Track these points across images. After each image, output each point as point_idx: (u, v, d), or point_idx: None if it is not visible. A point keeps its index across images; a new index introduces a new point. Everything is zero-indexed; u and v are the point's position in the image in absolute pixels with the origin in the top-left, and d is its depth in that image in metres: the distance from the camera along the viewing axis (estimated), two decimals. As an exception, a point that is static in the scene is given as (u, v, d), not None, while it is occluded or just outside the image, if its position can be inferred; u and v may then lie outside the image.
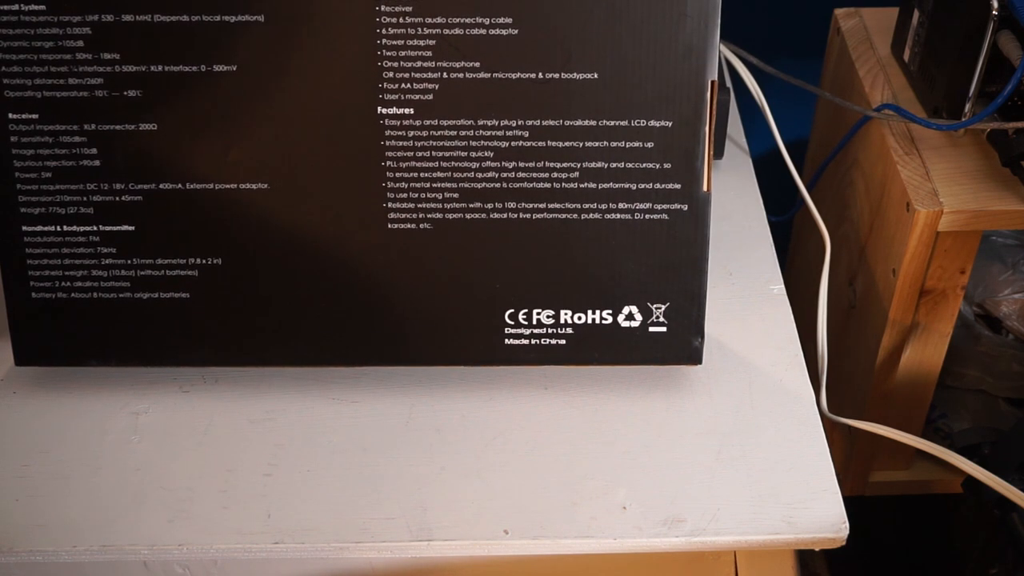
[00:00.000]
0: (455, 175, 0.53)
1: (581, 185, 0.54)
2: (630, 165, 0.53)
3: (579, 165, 0.53)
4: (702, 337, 0.56)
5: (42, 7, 0.51)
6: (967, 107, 0.68)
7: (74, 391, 0.57)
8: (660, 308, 0.55)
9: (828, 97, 0.77)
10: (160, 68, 0.52)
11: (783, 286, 0.63)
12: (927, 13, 0.71)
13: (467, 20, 0.51)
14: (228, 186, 0.54)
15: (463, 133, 0.53)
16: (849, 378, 0.81)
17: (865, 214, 0.76)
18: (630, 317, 0.55)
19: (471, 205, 0.54)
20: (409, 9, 0.51)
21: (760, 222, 0.68)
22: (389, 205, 0.54)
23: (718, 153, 0.71)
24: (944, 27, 0.69)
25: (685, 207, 0.54)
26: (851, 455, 0.81)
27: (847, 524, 0.51)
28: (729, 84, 0.73)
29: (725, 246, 0.65)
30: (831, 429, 0.57)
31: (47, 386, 0.58)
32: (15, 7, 0.51)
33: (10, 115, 0.53)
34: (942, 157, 0.69)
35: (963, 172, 0.68)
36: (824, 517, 0.51)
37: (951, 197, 0.66)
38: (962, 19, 0.66)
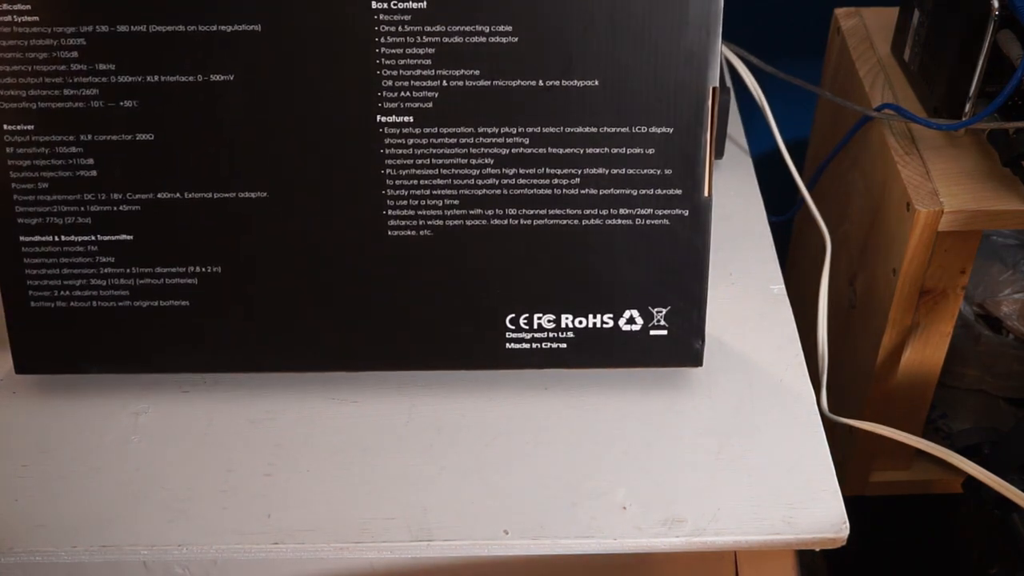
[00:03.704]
0: (455, 182, 0.53)
1: (582, 191, 0.54)
2: (631, 171, 0.53)
3: (580, 171, 0.53)
4: (703, 340, 0.56)
5: (35, 18, 0.51)
6: (967, 107, 0.68)
7: (74, 392, 0.57)
8: (661, 312, 0.55)
9: (828, 97, 0.77)
10: (156, 78, 0.52)
11: (783, 286, 0.63)
12: (927, 13, 0.71)
13: (466, 28, 0.51)
14: (227, 195, 0.54)
15: (463, 140, 0.53)
16: (849, 378, 0.81)
17: (865, 214, 0.76)
18: (631, 321, 0.55)
19: (471, 212, 0.54)
20: (408, 18, 0.51)
21: (760, 222, 0.68)
22: (389, 212, 0.54)
23: (718, 153, 0.70)
24: (944, 27, 0.69)
25: (686, 212, 0.54)
26: (851, 455, 0.81)
27: (847, 524, 0.51)
28: (729, 84, 0.73)
29: (725, 246, 0.65)
30: (831, 429, 0.57)
31: (47, 387, 0.58)
32: (8, 18, 0.51)
33: (5, 126, 0.52)
34: (942, 157, 0.69)
35: (963, 172, 0.68)
36: (824, 517, 0.51)
37: (951, 197, 0.66)
38: (962, 19, 0.66)
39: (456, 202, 0.54)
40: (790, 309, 0.62)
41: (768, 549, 0.51)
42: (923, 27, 0.71)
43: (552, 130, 0.53)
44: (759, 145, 0.79)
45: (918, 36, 0.72)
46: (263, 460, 0.54)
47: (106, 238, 0.54)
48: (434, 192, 0.53)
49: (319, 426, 0.56)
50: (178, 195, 0.54)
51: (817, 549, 0.51)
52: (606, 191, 0.53)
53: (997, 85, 0.65)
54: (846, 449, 0.81)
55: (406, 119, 0.52)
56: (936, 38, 0.70)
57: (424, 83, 0.52)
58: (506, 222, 0.54)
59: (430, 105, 0.52)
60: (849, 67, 0.79)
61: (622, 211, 0.54)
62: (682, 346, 0.56)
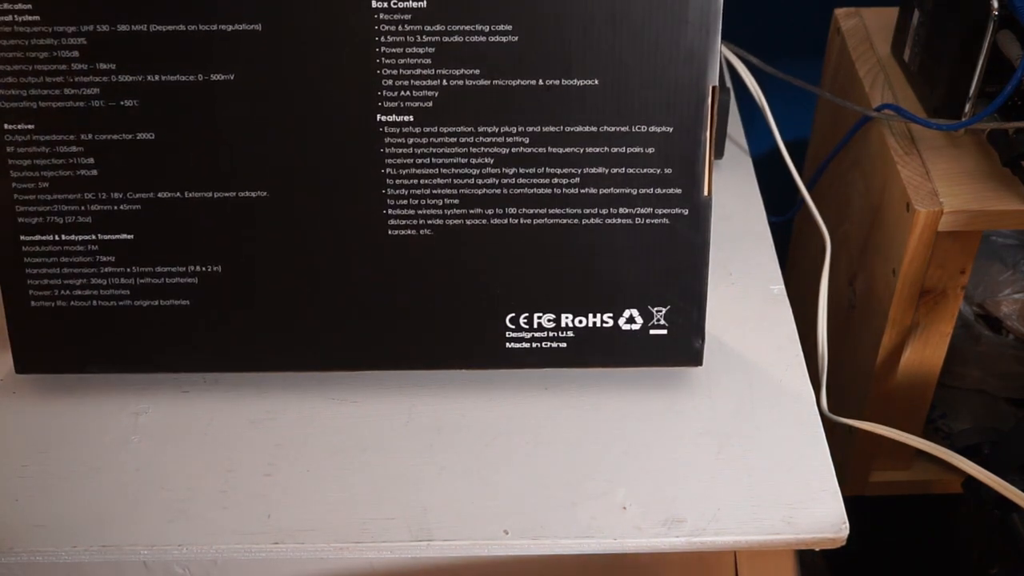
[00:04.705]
0: (455, 181, 0.53)
1: (582, 191, 0.54)
2: (631, 171, 0.53)
3: (580, 171, 0.53)
4: (703, 339, 0.56)
5: (36, 18, 0.51)
6: (967, 107, 0.68)
7: (74, 391, 0.57)
8: (661, 311, 0.55)
9: (828, 97, 0.77)
10: (157, 78, 0.52)
11: (783, 286, 0.63)
12: (927, 13, 0.71)
13: (466, 27, 0.51)
14: (227, 194, 0.54)
15: (463, 140, 0.53)
16: (849, 378, 0.81)
17: (865, 214, 0.76)
18: (631, 320, 0.55)
19: (471, 211, 0.54)
20: (408, 17, 0.51)
21: (760, 222, 0.68)
22: (389, 212, 0.54)
23: (718, 153, 0.70)
24: (944, 27, 0.69)
25: (686, 211, 0.54)
26: (851, 455, 0.81)
27: (847, 524, 0.51)
28: (729, 84, 0.73)
29: (725, 246, 0.65)
30: (831, 429, 0.57)
31: (47, 386, 0.58)
32: (8, 18, 0.51)
33: (5, 125, 0.52)
34: (942, 157, 0.69)
35: (963, 172, 0.68)
36: (824, 517, 0.51)
37: (951, 197, 0.66)
38: (962, 19, 0.66)
39: (456, 201, 0.54)
40: (790, 309, 0.62)
41: (768, 549, 0.51)
42: (923, 27, 0.71)
43: (552, 129, 0.53)
44: (759, 145, 0.79)
45: (918, 36, 0.72)
46: (263, 460, 0.54)
47: (106, 237, 0.54)
48: (434, 191, 0.53)
49: (319, 426, 0.56)
50: (178, 194, 0.54)
51: (817, 549, 0.51)
52: (606, 190, 0.53)
53: (997, 85, 0.65)
54: (846, 449, 0.81)
55: (406, 118, 0.52)
56: (936, 38, 0.70)
57: (424, 82, 0.52)
58: (506, 221, 0.54)
59: (430, 104, 0.52)
60: (849, 67, 0.79)
61: (622, 210, 0.54)
62: (682, 345, 0.56)
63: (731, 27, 0.60)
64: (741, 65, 0.75)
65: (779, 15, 0.96)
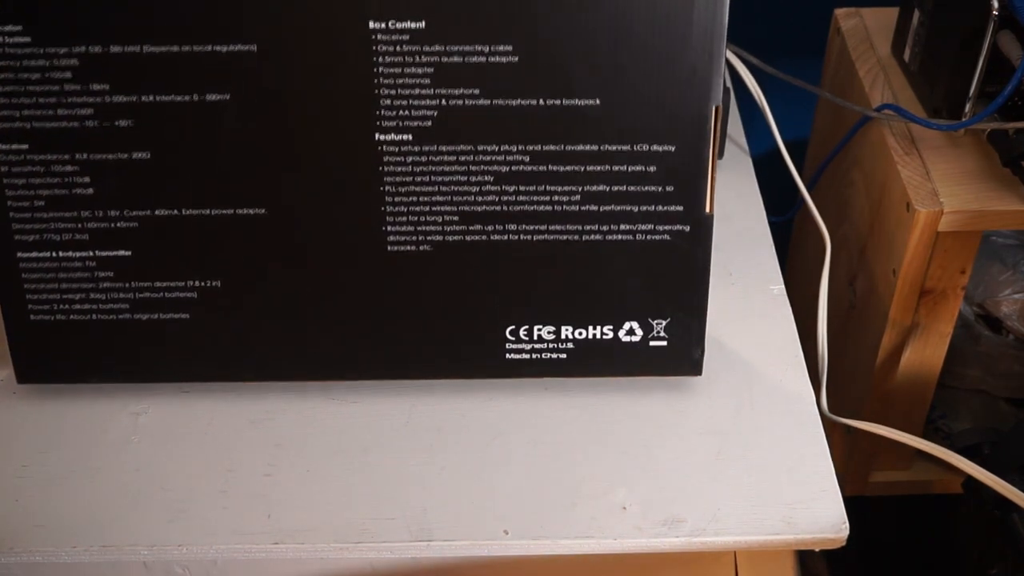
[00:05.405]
0: (455, 199, 0.53)
1: (582, 208, 0.53)
2: (632, 188, 0.53)
3: (580, 189, 0.53)
4: (702, 349, 0.56)
5: (27, 39, 0.50)
6: (967, 107, 0.68)
7: (74, 391, 0.57)
8: (661, 323, 0.55)
9: (828, 97, 0.77)
10: (151, 98, 0.51)
11: (783, 286, 0.63)
12: (927, 13, 0.71)
13: (466, 47, 0.50)
14: (224, 212, 0.53)
15: (463, 158, 0.52)
16: (849, 378, 0.81)
17: (865, 214, 0.76)
18: (631, 332, 0.55)
19: (471, 228, 0.54)
20: (406, 37, 0.50)
21: (760, 222, 0.68)
22: (388, 228, 0.54)
23: (718, 154, 0.70)
24: (944, 27, 0.69)
25: (687, 228, 0.54)
26: (851, 455, 0.81)
27: (847, 524, 0.51)
28: (729, 84, 0.73)
29: (725, 246, 0.65)
30: (831, 429, 0.57)
31: (47, 387, 0.58)
32: None
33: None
34: (942, 157, 0.69)
35: (963, 172, 0.68)
36: (824, 517, 0.51)
37: (951, 197, 0.66)
38: (962, 19, 0.66)
39: (456, 218, 0.53)
40: (790, 309, 0.62)
41: (768, 549, 0.51)
42: (923, 27, 0.71)
43: (552, 148, 0.52)
44: (759, 145, 0.79)
45: (918, 36, 0.72)
46: (263, 460, 0.54)
47: (104, 254, 0.54)
48: (434, 208, 0.53)
49: (319, 426, 0.56)
50: (175, 212, 0.53)
51: (817, 549, 0.51)
52: (607, 208, 0.53)
53: (997, 85, 0.65)
54: (846, 449, 0.81)
55: (405, 137, 0.52)
56: (936, 38, 0.70)
57: (423, 102, 0.51)
58: (506, 237, 0.54)
59: (429, 124, 0.52)
60: (849, 67, 0.79)
61: (623, 227, 0.54)
62: (682, 356, 0.56)
63: (731, 27, 0.60)
64: (741, 65, 0.75)
65: (779, 15, 0.96)
